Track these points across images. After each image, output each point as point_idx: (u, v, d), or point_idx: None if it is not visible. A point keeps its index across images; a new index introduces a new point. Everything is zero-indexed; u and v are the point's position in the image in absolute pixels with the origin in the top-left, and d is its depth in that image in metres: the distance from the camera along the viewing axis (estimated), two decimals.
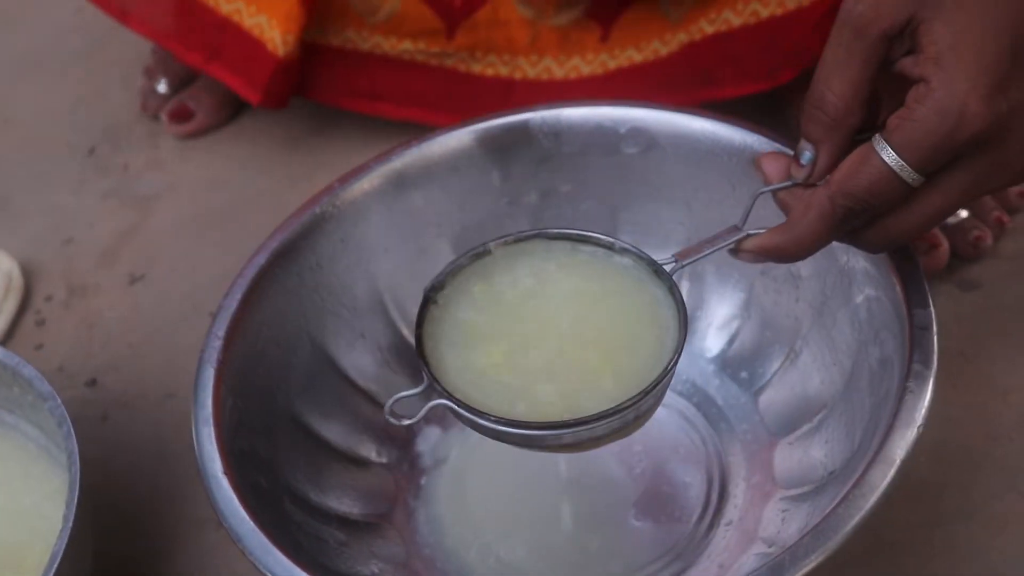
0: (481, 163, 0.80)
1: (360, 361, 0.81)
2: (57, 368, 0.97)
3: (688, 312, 0.63)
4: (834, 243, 0.73)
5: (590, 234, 0.66)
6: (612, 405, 0.59)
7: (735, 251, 0.65)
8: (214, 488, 0.65)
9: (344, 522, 0.75)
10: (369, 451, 0.80)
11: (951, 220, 0.89)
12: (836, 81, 0.59)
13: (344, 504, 0.76)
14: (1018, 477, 0.78)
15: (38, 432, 0.82)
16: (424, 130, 0.82)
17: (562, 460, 0.79)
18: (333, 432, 0.78)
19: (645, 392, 0.60)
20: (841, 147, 0.61)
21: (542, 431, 0.60)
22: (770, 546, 0.71)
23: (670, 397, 0.80)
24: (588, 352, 0.63)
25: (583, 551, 0.76)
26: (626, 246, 0.66)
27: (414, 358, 0.82)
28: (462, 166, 0.81)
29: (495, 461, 0.80)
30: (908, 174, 0.58)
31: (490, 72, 1.01)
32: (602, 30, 0.97)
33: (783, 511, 0.72)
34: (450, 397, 0.61)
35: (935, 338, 0.64)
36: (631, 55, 0.97)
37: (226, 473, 0.66)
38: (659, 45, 0.96)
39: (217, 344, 0.72)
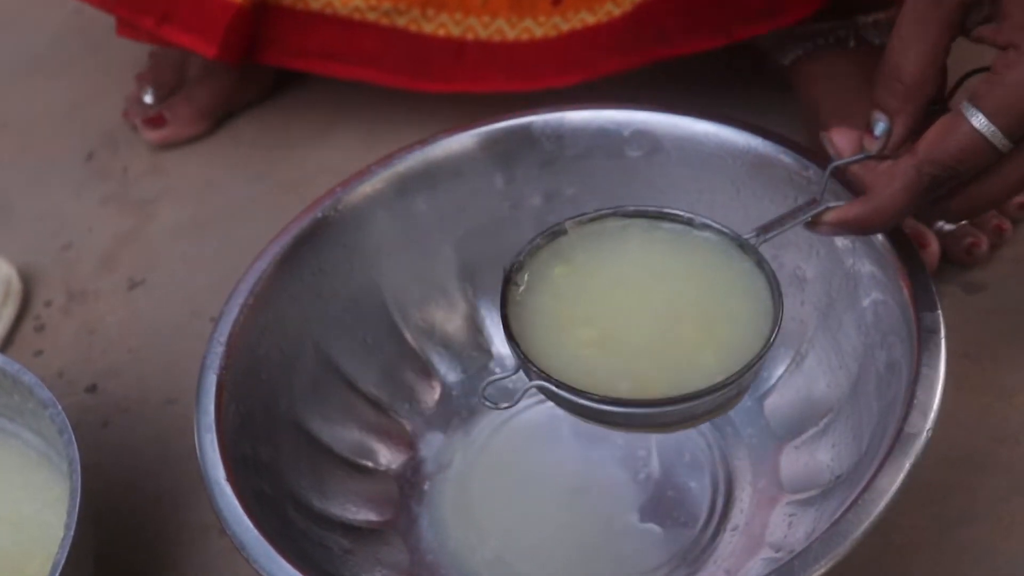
0: (484, 167, 0.80)
1: (363, 366, 0.80)
2: (57, 374, 0.96)
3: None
4: (839, 245, 0.73)
5: (668, 210, 0.66)
6: (717, 380, 0.59)
7: (813, 224, 0.65)
8: (217, 495, 0.65)
9: (348, 529, 0.74)
10: (373, 457, 0.79)
11: (947, 226, 0.89)
12: (913, 51, 0.60)
13: (348, 511, 0.75)
14: None
15: (39, 439, 0.81)
16: (424, 132, 0.82)
17: (567, 466, 0.79)
18: (336, 438, 0.78)
19: (750, 365, 0.60)
20: (917, 117, 0.61)
21: (647, 408, 0.60)
22: (777, 551, 0.70)
23: None
24: (685, 328, 0.63)
25: (588, 557, 0.75)
26: (707, 221, 0.65)
27: (417, 362, 0.82)
28: (465, 170, 0.80)
29: (499, 466, 0.80)
30: (999, 140, 0.58)
31: (441, 32, 1.00)
32: None
33: (790, 516, 0.72)
34: (548, 378, 0.60)
35: (943, 341, 0.64)
36: (584, 17, 0.96)
37: (229, 480, 0.65)
38: (612, 7, 0.95)
39: (219, 350, 0.71)
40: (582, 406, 0.61)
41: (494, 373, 0.83)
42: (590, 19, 0.96)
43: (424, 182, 0.80)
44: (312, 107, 1.15)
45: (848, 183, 0.66)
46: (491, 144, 0.80)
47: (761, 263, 0.64)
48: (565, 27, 0.97)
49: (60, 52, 1.28)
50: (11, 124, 1.22)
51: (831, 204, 0.64)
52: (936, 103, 0.61)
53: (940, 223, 0.89)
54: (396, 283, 0.81)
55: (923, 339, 0.64)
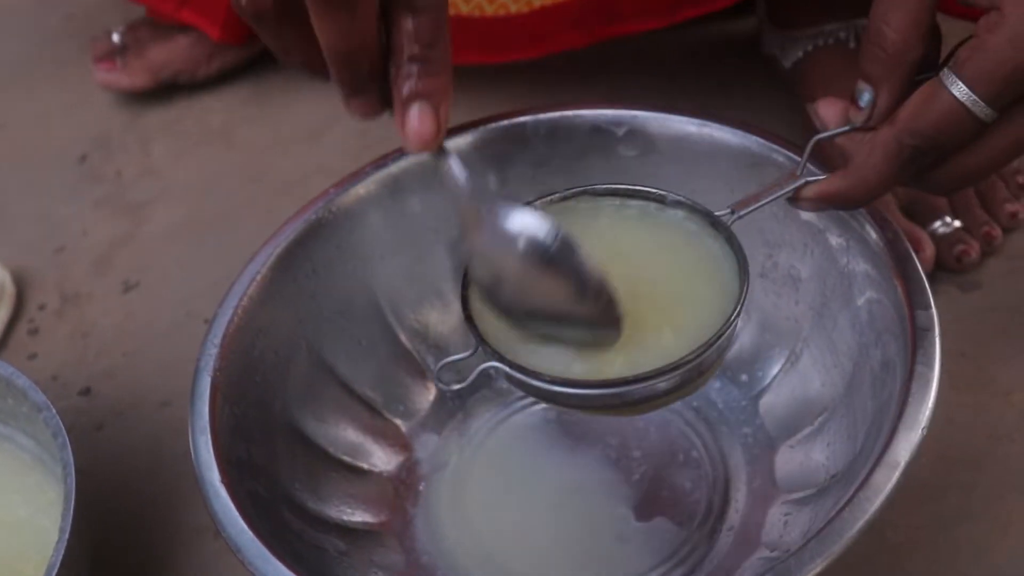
0: (478, 167, 0.80)
1: (357, 368, 0.80)
2: (51, 377, 0.96)
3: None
4: (832, 244, 0.73)
5: (640, 188, 0.65)
6: (672, 360, 0.58)
7: (794, 199, 0.63)
8: (212, 497, 0.65)
9: (343, 531, 0.74)
10: (367, 459, 0.79)
11: (941, 229, 0.89)
12: (894, 14, 0.57)
13: (343, 512, 0.75)
14: (1021, 477, 0.78)
15: (33, 443, 0.81)
16: None
17: (561, 466, 0.79)
18: (331, 439, 0.77)
19: (707, 345, 0.58)
20: (902, 86, 0.58)
21: (601, 389, 0.59)
22: (772, 551, 0.70)
23: None
24: (644, 308, 0.61)
25: (584, 557, 0.75)
26: (679, 198, 0.64)
27: (412, 363, 0.82)
28: None
29: (494, 467, 0.80)
30: (981, 109, 0.55)
31: None
32: None
33: (785, 515, 0.72)
34: (502, 359, 0.59)
35: (937, 340, 0.64)
36: None
37: (224, 482, 0.65)
38: None
39: (213, 352, 0.71)
40: (536, 388, 0.60)
41: (489, 375, 0.83)
42: None
43: (418, 183, 0.80)
44: (306, 108, 1.15)
45: (828, 159, 0.64)
46: (484, 144, 0.80)
47: (731, 240, 0.62)
48: (537, 3, 0.98)
49: (53, 55, 1.28)
50: (4, 126, 1.22)
51: (811, 178, 0.62)
52: (928, 70, 0.58)
53: (935, 225, 0.88)
54: (390, 284, 0.81)
55: (918, 337, 0.64)
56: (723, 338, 0.59)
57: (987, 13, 0.55)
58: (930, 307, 0.65)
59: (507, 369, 0.59)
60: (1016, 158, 0.60)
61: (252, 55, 1.18)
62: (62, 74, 1.25)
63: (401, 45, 0.55)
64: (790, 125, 0.95)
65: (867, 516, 0.57)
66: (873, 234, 0.69)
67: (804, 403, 0.76)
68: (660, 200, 0.65)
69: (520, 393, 0.82)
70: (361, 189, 0.79)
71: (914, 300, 0.66)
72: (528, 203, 0.64)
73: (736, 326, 0.60)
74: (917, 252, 0.84)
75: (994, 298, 0.88)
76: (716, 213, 0.63)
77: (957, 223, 0.89)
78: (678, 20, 0.94)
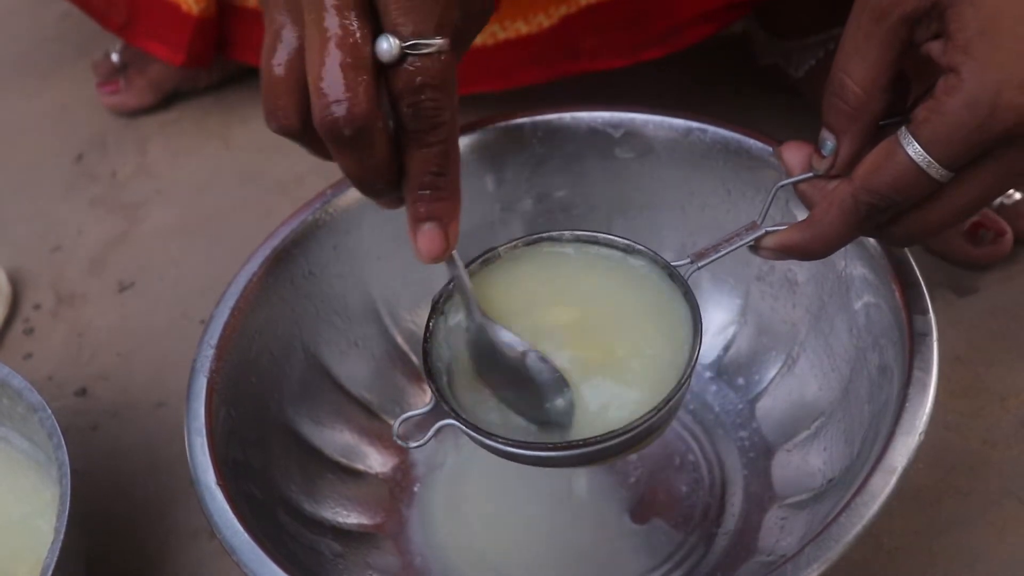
0: (475, 168, 0.80)
1: (353, 370, 0.80)
2: (47, 377, 0.96)
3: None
4: None
5: (601, 235, 0.65)
6: (634, 417, 0.58)
7: (755, 248, 0.63)
8: (208, 499, 0.64)
9: (339, 533, 0.74)
10: (363, 460, 0.79)
11: (1006, 202, 0.88)
12: (855, 67, 0.57)
13: (339, 514, 0.75)
14: (1016, 483, 0.78)
15: (27, 443, 0.81)
16: None
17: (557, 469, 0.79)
18: (326, 441, 0.77)
19: (657, 410, 0.58)
20: (864, 136, 0.59)
21: (554, 452, 0.59)
22: (769, 555, 0.70)
23: None
24: (600, 357, 0.62)
25: (580, 559, 0.75)
26: (640, 248, 0.64)
27: (408, 365, 0.82)
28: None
29: (489, 470, 0.80)
30: (936, 170, 0.55)
31: None
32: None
33: (782, 519, 0.72)
34: (457, 417, 0.59)
35: (935, 344, 0.64)
36: (519, 27, 0.98)
37: (220, 484, 0.65)
38: (543, 18, 0.96)
39: (209, 353, 0.71)
40: (492, 447, 0.60)
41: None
42: (524, 29, 0.98)
43: None
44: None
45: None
46: (482, 146, 0.79)
47: (687, 295, 0.62)
48: (501, 35, 0.98)
49: (48, 55, 1.28)
50: (0, 126, 1.21)
51: (771, 228, 0.62)
52: (896, 115, 0.58)
53: (999, 200, 0.88)
54: (386, 286, 0.81)
55: (915, 342, 0.64)
56: (673, 400, 0.59)
57: (946, 75, 0.54)
58: (928, 312, 0.65)
59: (463, 427, 0.60)
60: (973, 215, 0.61)
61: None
62: (58, 74, 1.25)
63: (413, 172, 0.58)
64: (784, 127, 0.94)
65: (864, 521, 0.57)
66: (870, 238, 0.69)
67: (801, 407, 0.76)
68: (622, 248, 0.64)
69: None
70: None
71: (912, 305, 0.66)
72: (492, 250, 0.65)
73: (688, 386, 0.60)
74: (999, 236, 0.86)
75: (990, 303, 0.88)
76: (676, 263, 0.63)
77: (1018, 195, 0.88)
78: (641, 60, 0.94)
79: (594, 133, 0.79)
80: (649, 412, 0.58)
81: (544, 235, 0.65)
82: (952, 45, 0.54)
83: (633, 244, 0.64)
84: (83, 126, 1.19)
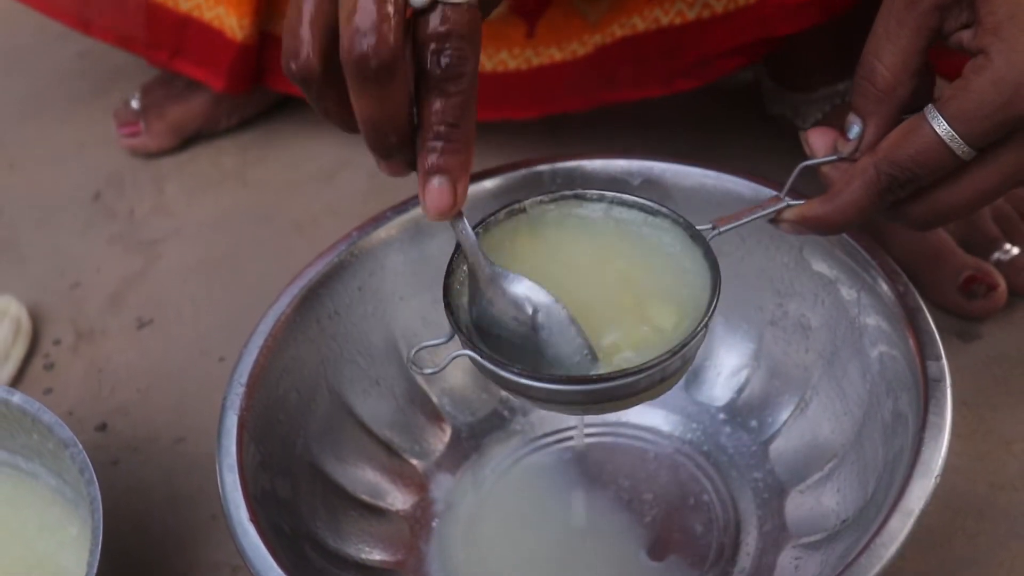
0: None
1: (375, 408, 0.82)
2: (67, 412, 0.97)
3: (721, 278, 0.63)
4: (843, 295, 0.75)
5: (626, 196, 0.67)
6: (635, 363, 0.60)
7: (775, 220, 0.65)
8: (240, 535, 0.66)
9: (361, 568, 0.75)
10: (384, 498, 0.80)
11: (1002, 258, 0.90)
12: (886, 52, 0.59)
13: (362, 551, 0.76)
14: (1022, 524, 0.79)
15: (55, 478, 0.82)
16: None
17: (574, 508, 0.80)
18: (350, 479, 0.79)
19: (672, 352, 0.60)
20: (890, 120, 0.61)
21: (566, 386, 0.60)
22: None
23: (680, 445, 0.82)
24: (621, 304, 0.64)
25: None
26: (663, 209, 0.66)
27: (427, 404, 0.84)
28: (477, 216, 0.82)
29: (507, 507, 0.81)
30: (959, 146, 0.57)
31: None
32: (527, 26, 1.01)
33: (796, 559, 0.73)
34: (473, 347, 0.61)
35: (949, 390, 0.66)
36: (553, 53, 1.00)
37: (252, 520, 0.66)
38: (577, 46, 0.99)
39: (240, 390, 0.72)
40: (505, 379, 0.61)
41: (503, 417, 0.85)
42: (557, 56, 1.00)
43: (437, 227, 0.81)
44: (319, 149, 1.17)
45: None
46: (503, 191, 0.81)
47: (707, 253, 0.64)
48: (536, 61, 1.01)
49: (67, 93, 1.29)
50: (19, 164, 1.23)
51: (792, 202, 0.65)
52: (920, 107, 0.60)
53: (995, 256, 0.90)
54: (408, 326, 0.83)
55: (930, 388, 0.66)
56: (687, 348, 0.61)
57: (975, 56, 0.57)
58: (941, 358, 0.67)
59: (478, 358, 0.61)
60: (994, 200, 0.62)
61: (269, 104, 1.20)
62: (75, 112, 1.27)
63: (429, 121, 0.58)
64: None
65: (883, 562, 0.59)
66: (885, 286, 0.71)
67: (814, 449, 0.77)
68: (645, 209, 0.66)
69: (534, 434, 0.84)
70: (382, 232, 0.80)
71: (925, 351, 0.68)
72: (518, 201, 0.67)
73: (703, 336, 0.62)
74: (991, 289, 0.87)
75: (995, 349, 0.89)
76: (698, 227, 0.65)
77: (1015, 250, 0.90)
78: (677, 90, 0.96)
79: (614, 181, 0.81)
80: (664, 353, 0.60)
81: (569, 193, 0.67)
82: (981, 29, 0.56)
83: (656, 205, 0.66)
84: (101, 164, 1.20)
